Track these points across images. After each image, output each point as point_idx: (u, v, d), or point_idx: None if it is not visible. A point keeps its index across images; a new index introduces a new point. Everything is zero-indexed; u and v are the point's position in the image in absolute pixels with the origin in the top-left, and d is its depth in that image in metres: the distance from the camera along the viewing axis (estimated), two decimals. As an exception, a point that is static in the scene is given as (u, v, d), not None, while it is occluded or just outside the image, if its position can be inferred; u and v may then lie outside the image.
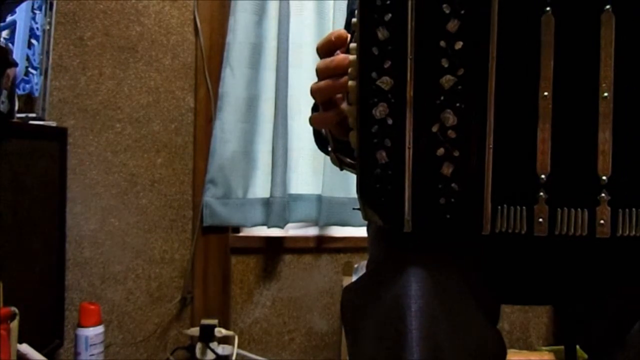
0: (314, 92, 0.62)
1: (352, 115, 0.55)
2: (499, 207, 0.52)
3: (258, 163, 1.86)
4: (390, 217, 0.53)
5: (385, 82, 0.52)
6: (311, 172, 1.89)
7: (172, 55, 1.86)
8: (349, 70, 0.56)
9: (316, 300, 1.93)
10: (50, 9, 1.70)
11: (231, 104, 1.80)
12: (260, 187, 1.85)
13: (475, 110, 0.52)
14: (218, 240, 1.88)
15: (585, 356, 0.73)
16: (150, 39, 1.85)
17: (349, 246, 1.92)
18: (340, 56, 0.60)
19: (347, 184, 1.81)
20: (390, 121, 0.53)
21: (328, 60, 0.61)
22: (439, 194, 0.53)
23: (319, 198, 1.84)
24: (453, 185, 0.52)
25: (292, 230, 1.94)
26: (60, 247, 1.75)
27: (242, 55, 1.81)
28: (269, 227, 1.81)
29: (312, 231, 1.95)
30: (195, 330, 1.76)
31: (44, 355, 1.40)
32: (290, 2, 1.81)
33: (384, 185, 0.53)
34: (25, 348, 1.34)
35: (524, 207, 0.52)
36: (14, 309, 1.23)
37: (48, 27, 1.68)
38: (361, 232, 1.89)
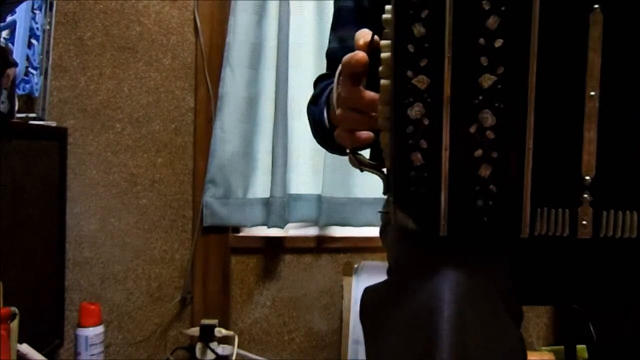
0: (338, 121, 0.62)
1: (383, 115, 0.53)
2: (539, 209, 0.51)
3: (258, 163, 1.85)
4: (425, 221, 0.52)
5: (421, 81, 0.50)
6: (311, 172, 1.89)
7: (172, 55, 1.85)
8: (380, 68, 0.54)
9: (316, 300, 1.93)
10: (50, 9, 1.70)
11: (231, 104, 1.79)
12: (260, 187, 1.85)
13: (515, 111, 0.50)
14: (218, 240, 1.87)
15: (586, 356, 0.73)
16: (150, 39, 1.84)
17: (349, 246, 1.92)
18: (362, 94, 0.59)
19: (347, 184, 1.81)
20: (426, 122, 0.50)
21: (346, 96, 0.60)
22: (476, 196, 0.51)
23: (319, 198, 1.84)
24: (491, 187, 0.50)
25: (292, 230, 1.93)
26: (60, 247, 1.75)
27: (242, 55, 1.80)
28: (269, 227, 1.81)
29: (312, 231, 1.94)
30: (195, 330, 1.76)
31: (44, 355, 1.40)
32: (290, 2, 1.81)
33: (419, 188, 0.51)
34: (25, 348, 1.33)
35: (566, 210, 0.51)
36: (14, 309, 1.23)
37: (48, 27, 1.68)
38: (361, 232, 1.89)
